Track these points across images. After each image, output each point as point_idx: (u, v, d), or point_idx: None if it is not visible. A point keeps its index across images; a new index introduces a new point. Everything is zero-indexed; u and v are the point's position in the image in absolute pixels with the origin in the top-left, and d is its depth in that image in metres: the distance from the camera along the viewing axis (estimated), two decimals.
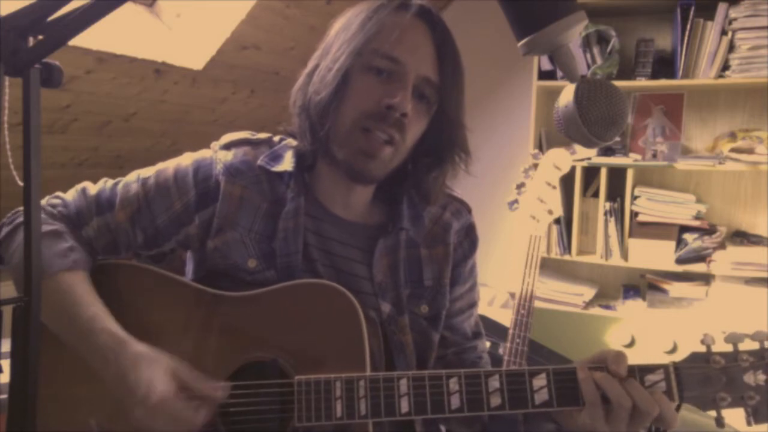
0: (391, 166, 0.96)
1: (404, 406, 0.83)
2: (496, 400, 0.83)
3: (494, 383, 0.83)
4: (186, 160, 1.01)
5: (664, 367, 0.82)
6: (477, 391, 0.83)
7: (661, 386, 0.81)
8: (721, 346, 0.82)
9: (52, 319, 0.89)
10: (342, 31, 0.95)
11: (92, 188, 1.01)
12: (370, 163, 0.93)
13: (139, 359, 0.84)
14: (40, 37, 0.65)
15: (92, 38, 1.78)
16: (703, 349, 0.82)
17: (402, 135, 0.93)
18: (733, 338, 0.81)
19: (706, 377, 0.81)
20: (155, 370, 0.83)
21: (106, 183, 1.01)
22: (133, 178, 1.00)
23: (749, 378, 0.80)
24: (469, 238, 1.10)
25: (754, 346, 0.82)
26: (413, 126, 0.94)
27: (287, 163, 0.99)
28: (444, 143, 0.98)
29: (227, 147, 1.01)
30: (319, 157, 0.99)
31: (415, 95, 0.92)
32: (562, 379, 0.83)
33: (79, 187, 1.01)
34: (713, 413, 0.82)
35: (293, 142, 1.02)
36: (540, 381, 0.82)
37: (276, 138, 1.05)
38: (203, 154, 1.02)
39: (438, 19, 0.95)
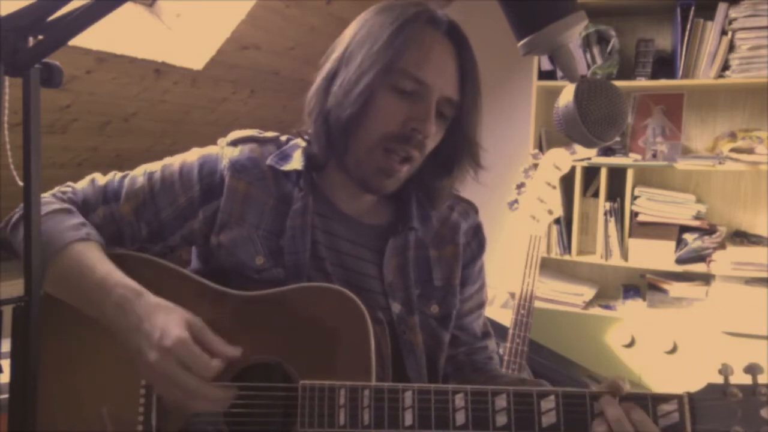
0: (403, 180, 0.98)
1: (408, 418, 0.82)
2: (502, 420, 0.81)
3: (501, 402, 0.82)
4: (192, 155, 1.02)
5: (678, 398, 0.79)
6: (483, 408, 0.82)
7: (674, 417, 0.78)
8: (739, 377, 0.78)
9: (65, 287, 0.89)
10: (366, 40, 0.93)
11: (101, 179, 1.02)
12: (387, 181, 0.95)
13: (156, 308, 0.84)
14: (40, 37, 0.65)
15: (92, 38, 1.78)
16: (720, 379, 0.79)
17: (421, 153, 0.95)
18: (753, 370, 0.78)
19: (721, 410, 0.77)
20: (171, 317, 0.83)
21: (114, 175, 1.03)
22: (140, 172, 1.02)
23: (766, 412, 0.77)
24: (477, 239, 1.11)
25: None
26: (431, 143, 0.96)
27: (296, 162, 1.00)
28: (458, 157, 1.00)
29: (234, 143, 1.02)
30: (331, 162, 1.00)
31: (435, 114, 0.94)
32: (571, 403, 0.81)
33: (88, 177, 1.03)
34: None
35: (301, 142, 1.03)
36: (548, 403, 0.81)
37: (283, 137, 1.06)
38: (210, 150, 1.03)
39: (463, 37, 0.96)
